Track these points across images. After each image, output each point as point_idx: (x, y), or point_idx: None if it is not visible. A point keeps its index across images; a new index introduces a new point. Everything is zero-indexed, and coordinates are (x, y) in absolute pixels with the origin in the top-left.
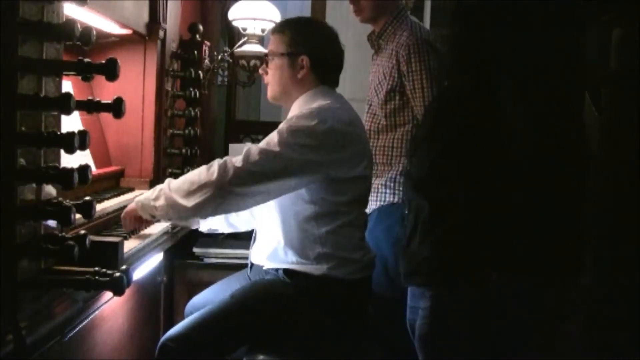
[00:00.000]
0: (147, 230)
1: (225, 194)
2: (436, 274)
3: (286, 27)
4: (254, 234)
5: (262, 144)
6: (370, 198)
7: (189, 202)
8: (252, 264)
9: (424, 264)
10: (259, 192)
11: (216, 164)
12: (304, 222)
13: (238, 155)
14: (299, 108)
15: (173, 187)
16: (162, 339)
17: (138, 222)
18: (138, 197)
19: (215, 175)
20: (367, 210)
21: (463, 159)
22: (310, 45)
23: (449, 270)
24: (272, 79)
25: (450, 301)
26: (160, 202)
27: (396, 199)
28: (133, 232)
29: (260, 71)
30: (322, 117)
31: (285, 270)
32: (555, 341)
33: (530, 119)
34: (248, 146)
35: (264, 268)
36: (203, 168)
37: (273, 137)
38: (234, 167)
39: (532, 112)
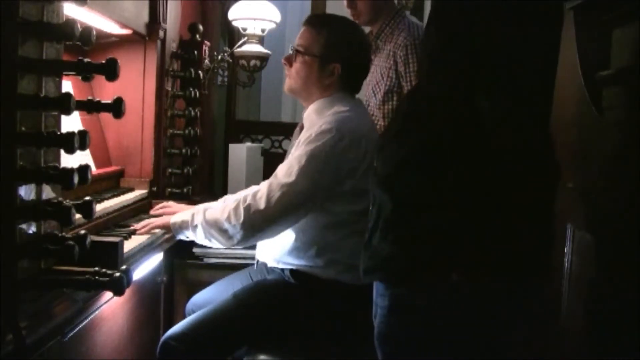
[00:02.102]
0: None
1: (257, 233)
2: (397, 271)
3: (325, 27)
4: None
5: (283, 174)
6: None
7: (227, 242)
8: (257, 261)
9: (385, 261)
10: (286, 223)
11: (241, 206)
12: (316, 229)
13: (238, 154)
14: (317, 112)
15: (209, 221)
16: (164, 337)
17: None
18: (174, 219)
19: (242, 218)
20: None
21: (430, 160)
22: (345, 54)
23: (410, 268)
24: (296, 74)
25: (409, 301)
26: (200, 233)
27: None
28: (134, 232)
29: (283, 61)
30: (342, 133)
31: (292, 271)
32: (532, 343)
33: (502, 122)
34: (265, 182)
35: (269, 266)
36: (231, 208)
37: (293, 166)
38: (258, 210)
39: (504, 115)
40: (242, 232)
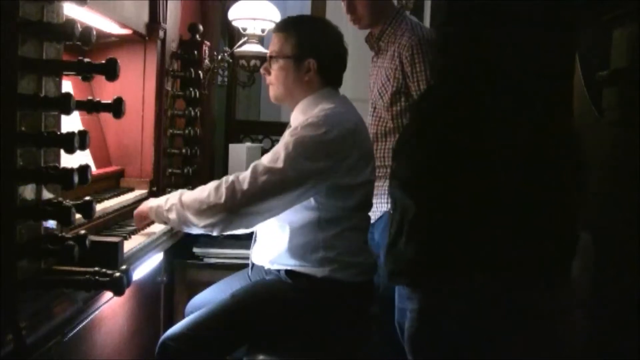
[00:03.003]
0: (147, 230)
1: (234, 216)
2: (421, 275)
3: (291, 28)
4: (254, 235)
5: (269, 160)
6: (380, 201)
7: (200, 222)
8: (253, 265)
9: (409, 265)
10: (267, 210)
11: (224, 185)
12: (308, 227)
13: (238, 154)
14: (302, 112)
15: (185, 203)
16: (162, 337)
17: (147, 220)
18: (150, 203)
19: (223, 197)
20: (378, 213)
21: (450, 161)
22: (317, 48)
23: (433, 271)
24: (275, 80)
25: (438, 303)
26: (173, 215)
27: None
28: (134, 232)
29: (262, 71)
30: (329, 125)
31: (287, 271)
32: (549, 341)
33: (521, 121)
34: (254, 162)
35: (266, 268)
36: (212, 187)
37: (279, 152)
38: (241, 189)
39: (523, 114)
40: (222, 214)
